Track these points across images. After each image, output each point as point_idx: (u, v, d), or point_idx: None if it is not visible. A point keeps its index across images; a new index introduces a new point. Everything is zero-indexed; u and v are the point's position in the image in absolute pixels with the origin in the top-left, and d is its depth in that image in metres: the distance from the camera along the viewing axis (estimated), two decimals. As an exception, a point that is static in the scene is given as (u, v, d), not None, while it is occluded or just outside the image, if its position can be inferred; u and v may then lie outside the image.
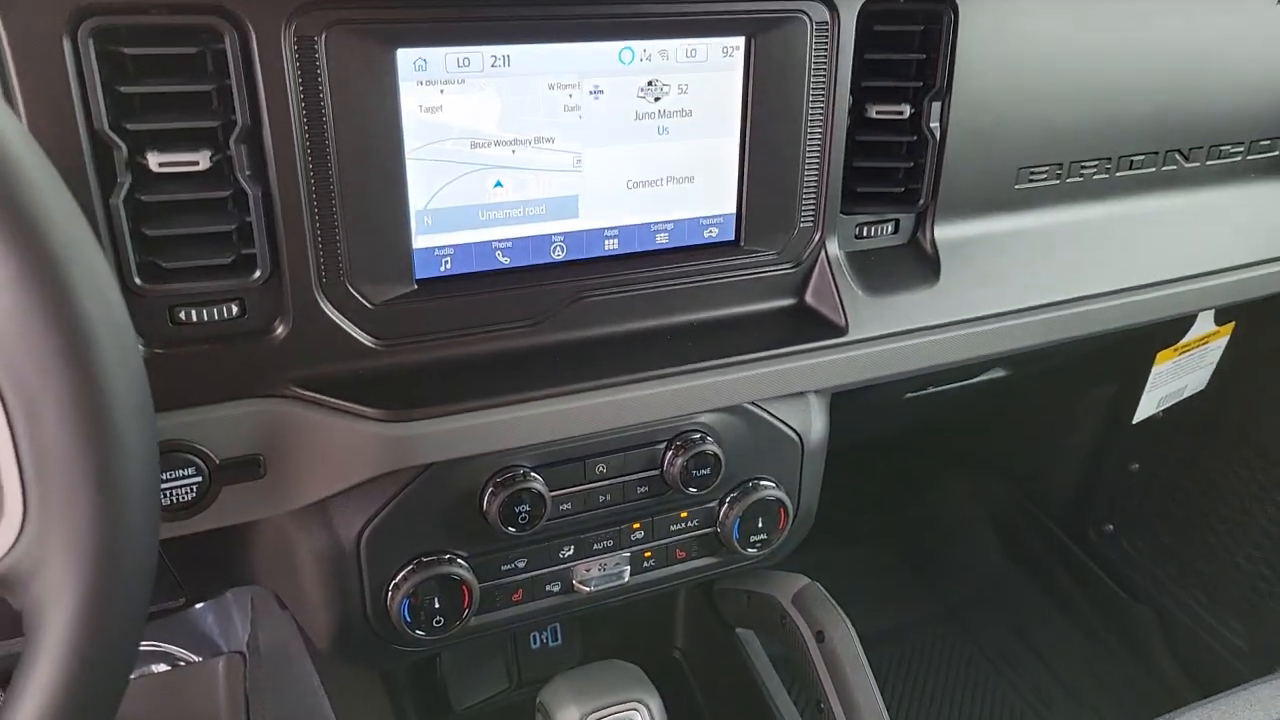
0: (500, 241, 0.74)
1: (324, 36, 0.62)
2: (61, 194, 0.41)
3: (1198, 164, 0.99)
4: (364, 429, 0.68)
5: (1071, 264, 0.92)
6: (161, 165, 0.61)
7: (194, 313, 0.66)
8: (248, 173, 0.63)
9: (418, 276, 0.71)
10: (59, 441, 0.41)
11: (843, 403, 0.90)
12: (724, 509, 0.86)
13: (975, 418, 1.56)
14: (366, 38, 0.63)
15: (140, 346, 0.63)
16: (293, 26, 0.61)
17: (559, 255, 0.76)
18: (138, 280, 0.63)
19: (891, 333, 0.83)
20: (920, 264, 0.87)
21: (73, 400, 0.40)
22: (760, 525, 0.87)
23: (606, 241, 0.77)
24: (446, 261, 0.72)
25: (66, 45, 0.56)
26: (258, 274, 0.66)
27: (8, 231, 0.38)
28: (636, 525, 0.84)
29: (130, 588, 0.44)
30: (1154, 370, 1.29)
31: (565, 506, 0.80)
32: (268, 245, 0.65)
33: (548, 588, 0.83)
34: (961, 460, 1.75)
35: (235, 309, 0.67)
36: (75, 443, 0.41)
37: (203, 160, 0.62)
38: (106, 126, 0.59)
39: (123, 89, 0.59)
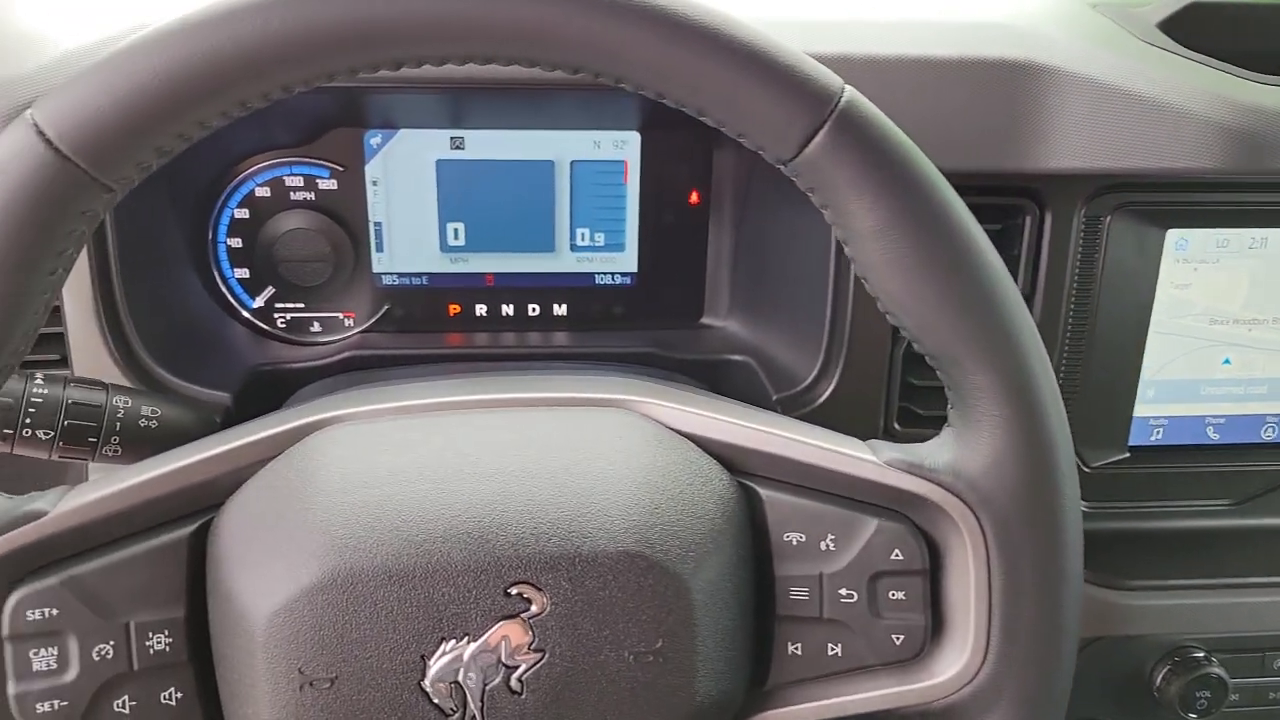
0: (1214, 417, 0.72)
1: (1109, 218, 0.65)
2: (1051, 371, 0.45)
3: None
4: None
5: None
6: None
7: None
8: (1010, 335, 0.68)
9: (1130, 443, 0.72)
10: (1034, 596, 0.45)
11: None
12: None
13: None
14: (1145, 220, 0.66)
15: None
16: (1084, 209, 0.65)
17: (1268, 436, 0.73)
18: (896, 425, 0.69)
19: None
20: None
21: (1048, 561, 0.45)
22: None
23: (1321, 427, 0.73)
24: (1158, 431, 0.72)
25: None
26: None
27: (1028, 418, 0.43)
28: (1298, 733, 0.77)
29: None
30: None
31: (1234, 698, 0.75)
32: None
33: (1194, 778, 0.78)
34: None
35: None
36: (1047, 598, 0.45)
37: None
38: None
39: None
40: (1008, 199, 0.65)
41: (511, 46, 0.40)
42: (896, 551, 0.46)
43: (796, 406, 0.68)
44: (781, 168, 0.43)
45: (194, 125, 0.40)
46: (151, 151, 0.40)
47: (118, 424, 0.55)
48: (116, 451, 0.55)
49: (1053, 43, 0.61)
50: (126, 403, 0.56)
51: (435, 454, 0.45)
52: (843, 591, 0.47)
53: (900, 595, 0.46)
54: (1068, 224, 0.65)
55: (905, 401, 0.69)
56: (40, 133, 0.38)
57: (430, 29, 0.39)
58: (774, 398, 0.69)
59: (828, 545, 0.47)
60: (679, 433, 0.49)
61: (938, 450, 0.47)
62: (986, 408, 0.44)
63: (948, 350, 0.44)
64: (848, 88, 0.41)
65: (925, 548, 0.47)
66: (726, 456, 0.48)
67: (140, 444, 0.56)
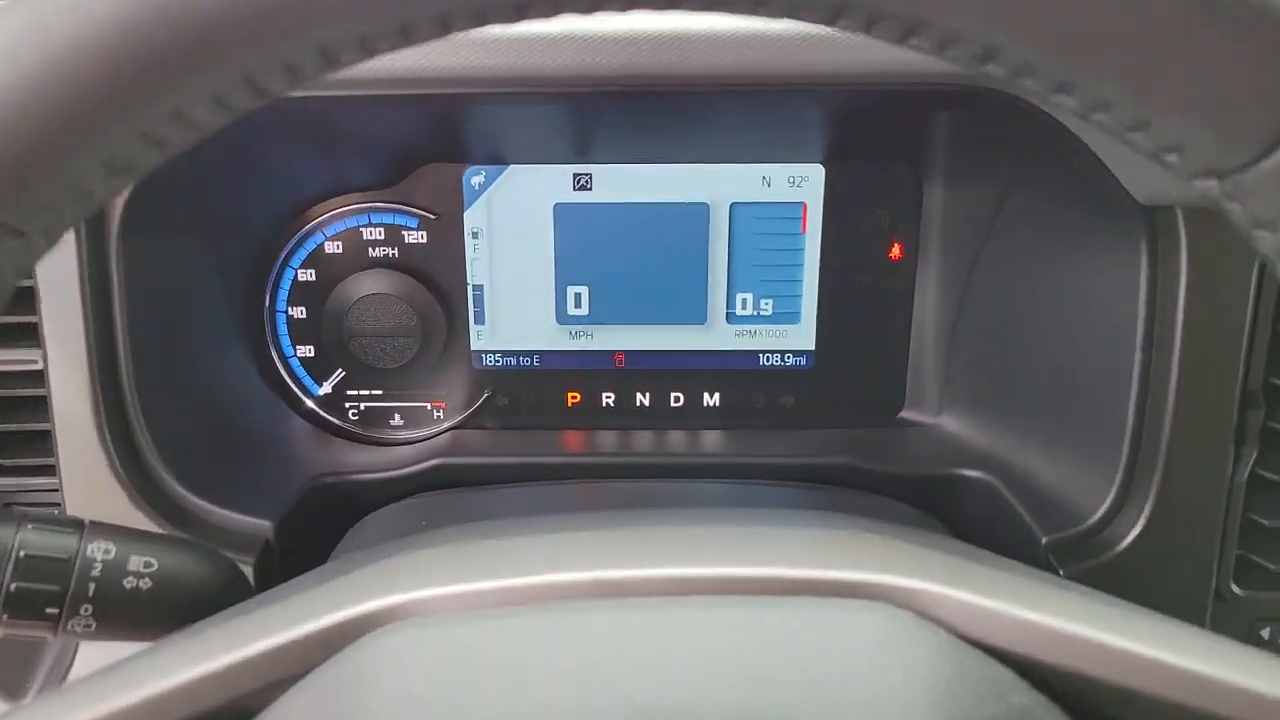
0: None
1: None
2: None
3: None
4: None
5: None
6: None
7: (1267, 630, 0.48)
8: None
9: None
10: None
11: None
12: None
13: None
14: None
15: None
16: None
17: None
18: (1234, 586, 0.46)
19: None
20: None
21: None
22: None
23: None
24: None
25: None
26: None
27: None
28: None
29: None
30: None
31: None
32: None
33: None
34: None
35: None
36: None
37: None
38: (1260, 384, 0.44)
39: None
40: None
41: None
42: None
43: (1080, 555, 0.46)
44: (1210, 184, 0.22)
45: (168, 120, 0.21)
46: (94, 166, 0.21)
47: (91, 586, 0.37)
48: (89, 625, 0.37)
49: None
50: (108, 552, 0.38)
51: (571, 694, 0.25)
52: None
53: None
54: None
55: (1246, 549, 0.46)
56: None
57: None
58: (1043, 541, 0.47)
59: None
60: (980, 646, 0.28)
61: None
62: None
63: None
64: None
65: None
66: (1064, 691, 0.27)
67: (124, 614, 0.38)
